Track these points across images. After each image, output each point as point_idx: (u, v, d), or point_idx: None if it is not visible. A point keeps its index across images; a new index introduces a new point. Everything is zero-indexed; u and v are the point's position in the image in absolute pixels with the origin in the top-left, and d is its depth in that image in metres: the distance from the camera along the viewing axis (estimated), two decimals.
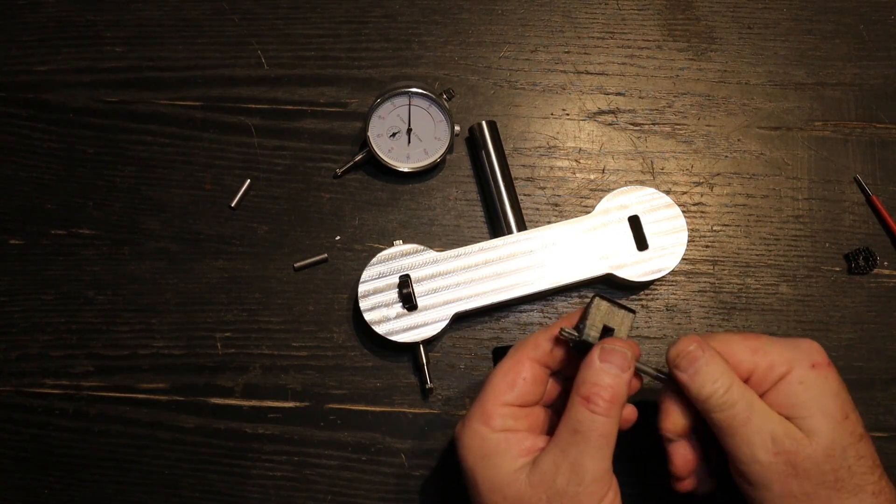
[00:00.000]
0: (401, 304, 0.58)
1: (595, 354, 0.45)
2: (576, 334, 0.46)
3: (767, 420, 0.43)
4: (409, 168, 0.62)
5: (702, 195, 0.64)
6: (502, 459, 0.44)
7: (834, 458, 0.42)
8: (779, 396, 0.44)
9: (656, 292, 0.62)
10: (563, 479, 0.42)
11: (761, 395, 0.44)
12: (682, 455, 0.47)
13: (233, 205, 0.62)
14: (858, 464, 0.43)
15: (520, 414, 0.47)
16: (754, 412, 0.43)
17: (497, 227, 0.61)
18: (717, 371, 0.44)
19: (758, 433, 0.43)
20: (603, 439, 0.43)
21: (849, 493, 0.42)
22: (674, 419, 0.46)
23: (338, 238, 0.63)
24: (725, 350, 0.45)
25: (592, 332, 0.46)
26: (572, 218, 0.60)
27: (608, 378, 0.44)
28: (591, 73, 0.67)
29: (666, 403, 0.47)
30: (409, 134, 0.62)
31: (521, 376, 0.47)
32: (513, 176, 0.63)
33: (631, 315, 0.47)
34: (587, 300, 0.62)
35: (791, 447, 0.42)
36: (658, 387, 0.48)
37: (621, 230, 0.60)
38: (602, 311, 0.47)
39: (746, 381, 0.45)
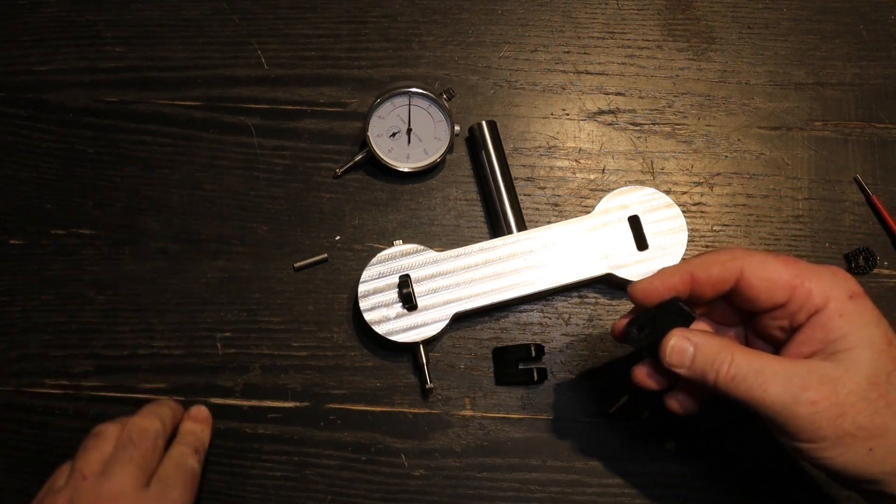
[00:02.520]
0: (401, 304, 0.58)
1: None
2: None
3: (791, 375, 0.41)
4: (409, 168, 0.62)
5: (702, 195, 0.64)
6: None
7: (879, 385, 0.40)
8: (817, 331, 0.42)
9: None
10: None
11: (797, 329, 0.43)
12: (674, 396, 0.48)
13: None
14: None
15: None
16: (771, 375, 0.41)
17: (497, 227, 0.61)
18: (711, 354, 0.43)
19: (785, 392, 0.41)
20: None
21: None
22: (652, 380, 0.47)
23: (338, 238, 0.63)
24: (762, 273, 0.43)
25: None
26: (572, 218, 0.60)
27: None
28: (591, 73, 0.67)
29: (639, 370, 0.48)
30: (409, 134, 0.62)
31: None
32: (513, 176, 0.63)
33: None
34: (587, 300, 0.62)
35: (829, 389, 0.40)
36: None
37: (621, 230, 0.60)
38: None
39: (783, 306, 0.43)
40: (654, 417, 0.58)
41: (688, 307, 0.44)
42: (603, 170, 0.65)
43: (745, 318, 0.47)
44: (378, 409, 0.60)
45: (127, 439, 0.50)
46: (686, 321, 0.44)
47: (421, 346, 0.58)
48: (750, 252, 0.44)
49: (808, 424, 0.41)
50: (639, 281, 0.45)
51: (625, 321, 0.47)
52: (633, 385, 0.48)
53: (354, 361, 0.61)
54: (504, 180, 0.62)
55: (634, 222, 0.60)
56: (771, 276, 0.43)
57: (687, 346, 0.43)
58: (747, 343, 0.48)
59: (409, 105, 0.62)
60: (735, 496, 0.57)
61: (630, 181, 0.64)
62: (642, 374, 0.47)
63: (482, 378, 0.60)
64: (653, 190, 0.61)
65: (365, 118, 0.62)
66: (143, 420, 0.52)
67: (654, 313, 0.45)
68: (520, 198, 0.63)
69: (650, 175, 0.65)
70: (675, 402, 0.48)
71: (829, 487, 0.58)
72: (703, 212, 0.64)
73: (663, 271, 0.45)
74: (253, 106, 0.66)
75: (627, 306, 0.62)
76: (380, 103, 0.61)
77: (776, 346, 0.45)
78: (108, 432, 0.51)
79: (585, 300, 0.62)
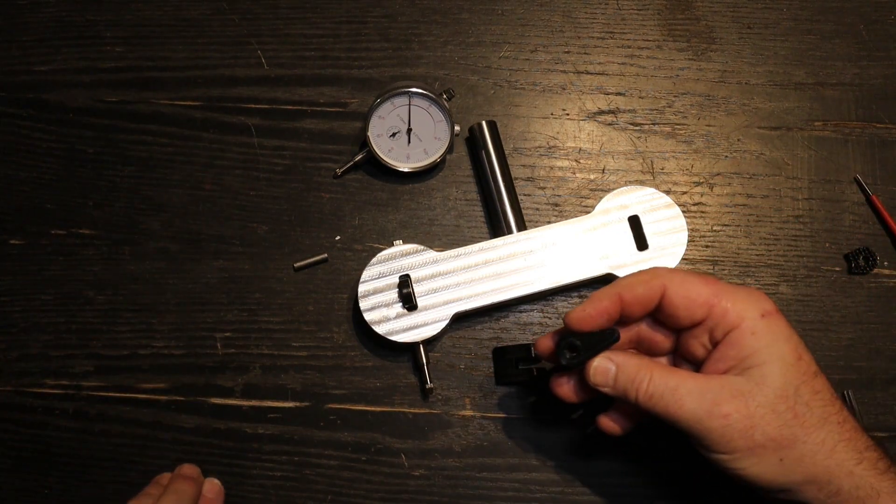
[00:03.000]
0: (401, 304, 0.58)
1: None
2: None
3: (704, 391, 0.44)
4: (409, 168, 0.62)
5: (702, 195, 0.64)
6: None
7: (788, 398, 0.43)
8: (732, 347, 0.45)
9: None
10: None
11: (715, 347, 0.45)
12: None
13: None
14: (815, 398, 0.44)
15: None
16: (685, 392, 0.44)
17: (497, 227, 0.61)
18: (631, 373, 0.45)
19: (698, 407, 0.43)
20: None
21: (815, 427, 0.43)
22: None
23: (338, 238, 0.63)
24: (682, 291, 0.46)
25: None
26: (572, 218, 0.60)
27: None
28: (591, 73, 0.67)
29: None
30: (409, 134, 0.62)
31: None
32: (513, 176, 0.63)
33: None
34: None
35: (740, 403, 0.43)
36: None
37: (621, 230, 0.60)
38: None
39: (702, 323, 0.46)
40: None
41: (611, 331, 0.47)
42: (603, 170, 0.65)
43: (673, 345, 0.50)
44: (378, 409, 0.60)
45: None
46: (610, 342, 0.47)
47: (421, 346, 0.58)
48: (672, 271, 0.47)
49: (721, 437, 0.43)
50: (573, 309, 0.48)
51: (548, 340, 0.50)
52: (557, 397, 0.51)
53: (354, 361, 0.61)
54: (504, 180, 0.62)
55: (634, 222, 0.60)
56: (690, 294, 0.46)
57: (609, 367, 0.46)
58: (674, 365, 0.50)
59: (409, 105, 0.62)
60: (743, 489, 0.57)
61: (630, 181, 0.64)
62: (566, 389, 0.50)
63: (482, 378, 0.60)
64: (653, 190, 0.61)
65: (365, 118, 0.62)
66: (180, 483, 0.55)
67: (583, 335, 0.47)
68: (520, 198, 0.63)
69: (650, 175, 0.65)
70: (609, 422, 0.50)
71: None
72: (703, 212, 0.64)
73: (594, 297, 0.48)
74: (253, 106, 0.66)
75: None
76: (380, 103, 0.61)
77: (699, 365, 0.47)
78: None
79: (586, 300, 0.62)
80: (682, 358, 0.49)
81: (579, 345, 0.47)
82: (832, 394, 0.45)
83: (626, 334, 0.49)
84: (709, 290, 0.45)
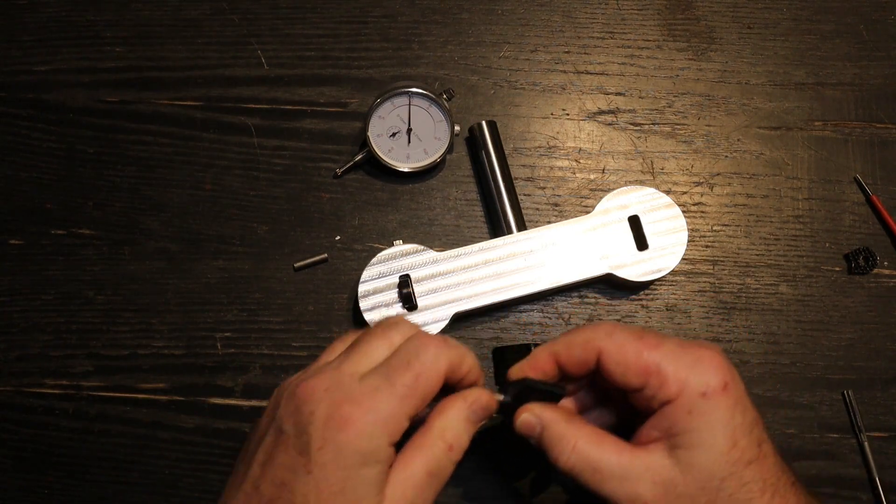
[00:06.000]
0: (401, 304, 0.58)
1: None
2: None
3: (626, 476, 0.42)
4: (409, 168, 0.62)
5: (702, 195, 0.64)
6: None
7: (710, 490, 0.41)
8: (666, 421, 0.42)
9: (656, 292, 0.62)
10: None
11: (648, 416, 0.43)
12: None
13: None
14: (742, 490, 0.41)
15: None
16: (607, 474, 0.42)
17: (497, 227, 0.61)
18: (554, 438, 0.43)
19: (618, 490, 0.42)
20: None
21: None
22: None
23: (338, 238, 0.63)
24: (617, 357, 0.43)
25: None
26: (572, 218, 0.60)
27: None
28: (591, 73, 0.67)
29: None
30: (409, 134, 0.62)
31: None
32: (513, 176, 0.63)
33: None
34: (587, 300, 0.62)
35: (660, 490, 0.41)
36: None
37: (621, 230, 0.60)
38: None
39: (637, 391, 0.43)
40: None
41: (554, 385, 0.45)
42: (603, 170, 0.65)
43: (623, 395, 0.47)
44: None
45: (403, 362, 0.41)
46: (551, 398, 0.45)
47: None
48: (612, 333, 0.44)
49: None
50: (515, 365, 0.46)
51: (498, 396, 0.46)
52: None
53: None
54: (504, 180, 0.62)
55: (634, 222, 0.60)
56: (627, 360, 0.43)
57: (535, 423, 0.44)
58: (619, 414, 0.48)
59: (409, 105, 0.62)
60: None
61: (630, 181, 0.64)
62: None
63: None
64: (653, 190, 0.61)
65: (365, 118, 0.62)
66: (429, 348, 0.42)
67: (530, 384, 0.45)
68: (520, 198, 0.63)
69: (650, 175, 0.65)
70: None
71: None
72: (703, 212, 0.64)
73: (534, 353, 0.46)
74: (253, 106, 0.66)
75: (627, 306, 0.62)
76: (380, 103, 0.61)
77: (646, 417, 0.45)
78: (395, 335, 0.43)
79: (585, 300, 0.62)
80: (633, 406, 0.46)
81: (517, 391, 0.45)
82: (765, 483, 0.41)
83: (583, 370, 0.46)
84: (648, 357, 0.42)
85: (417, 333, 0.42)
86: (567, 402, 0.48)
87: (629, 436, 0.44)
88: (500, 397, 0.44)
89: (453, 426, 0.41)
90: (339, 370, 0.40)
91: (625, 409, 0.46)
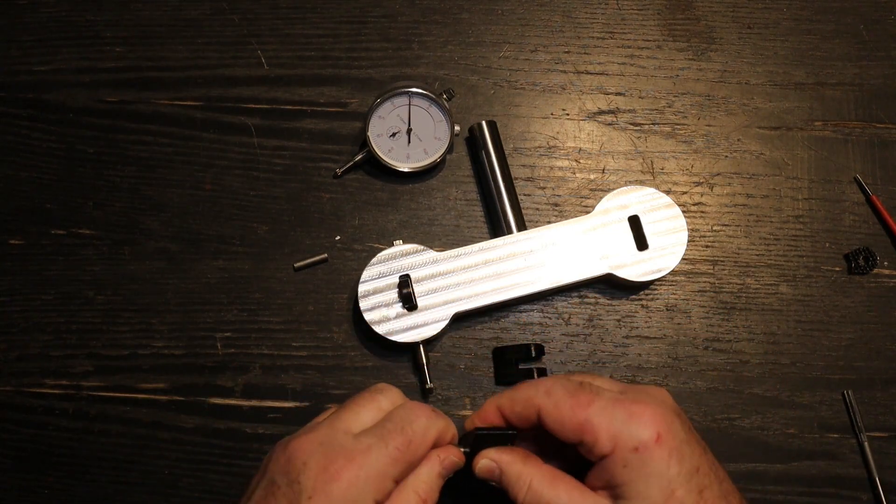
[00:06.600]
0: (401, 304, 0.58)
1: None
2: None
3: None
4: (409, 168, 0.62)
5: (702, 195, 0.64)
6: None
7: None
8: (604, 474, 0.44)
9: (656, 292, 0.62)
10: None
11: (588, 469, 0.45)
12: None
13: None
14: None
15: None
16: None
17: (497, 227, 0.61)
18: (511, 478, 0.46)
19: None
20: None
21: None
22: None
23: (338, 238, 0.63)
24: (554, 415, 0.45)
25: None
26: (572, 218, 0.60)
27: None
28: (591, 73, 0.67)
29: None
30: (409, 134, 0.62)
31: None
32: (513, 176, 0.63)
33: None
34: (587, 300, 0.62)
35: None
36: None
37: (621, 230, 0.60)
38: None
39: (577, 445, 0.45)
40: None
41: (504, 429, 0.48)
42: (603, 170, 0.65)
43: None
44: None
45: (397, 427, 0.44)
46: (505, 441, 0.48)
47: (421, 346, 0.58)
48: (551, 391, 0.46)
49: None
50: (472, 414, 0.50)
51: (476, 420, 0.50)
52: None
53: (354, 361, 0.61)
54: (504, 180, 0.62)
55: (634, 222, 0.60)
56: (562, 418, 0.45)
57: (493, 467, 0.47)
58: (575, 456, 0.48)
59: (409, 105, 0.62)
60: None
61: (630, 181, 0.64)
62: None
63: (482, 378, 0.60)
64: (653, 190, 0.61)
65: (365, 118, 0.62)
66: (420, 418, 0.46)
67: (482, 432, 0.48)
68: (520, 198, 0.63)
69: (650, 175, 0.65)
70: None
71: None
72: (703, 212, 0.64)
73: (483, 407, 0.49)
74: (253, 106, 0.66)
75: (627, 306, 0.62)
76: (380, 103, 0.61)
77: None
78: (383, 400, 0.46)
79: (585, 300, 0.62)
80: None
81: (472, 441, 0.47)
82: None
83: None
84: (581, 416, 0.44)
85: (407, 402, 0.46)
86: (528, 444, 0.50)
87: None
88: (464, 450, 0.47)
89: (426, 481, 0.45)
90: (333, 427, 0.43)
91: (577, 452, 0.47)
